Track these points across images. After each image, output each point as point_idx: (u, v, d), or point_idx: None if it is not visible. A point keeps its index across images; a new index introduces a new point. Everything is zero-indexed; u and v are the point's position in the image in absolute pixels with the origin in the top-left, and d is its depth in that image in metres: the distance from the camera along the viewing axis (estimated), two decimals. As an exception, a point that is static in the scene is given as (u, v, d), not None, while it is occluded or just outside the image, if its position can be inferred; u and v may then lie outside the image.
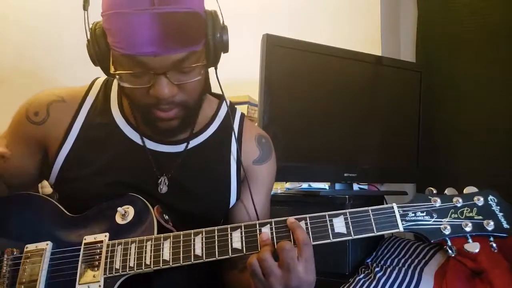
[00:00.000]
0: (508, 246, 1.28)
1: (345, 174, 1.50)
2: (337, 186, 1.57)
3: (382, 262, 1.35)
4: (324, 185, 1.63)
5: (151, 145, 0.93)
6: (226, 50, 0.86)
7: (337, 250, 1.33)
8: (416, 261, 1.31)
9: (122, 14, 0.74)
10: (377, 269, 1.29)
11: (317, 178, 1.55)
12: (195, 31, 0.79)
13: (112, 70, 0.80)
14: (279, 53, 1.38)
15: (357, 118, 1.54)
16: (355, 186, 1.65)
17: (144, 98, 0.81)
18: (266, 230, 0.76)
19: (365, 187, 1.72)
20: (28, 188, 0.98)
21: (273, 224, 0.76)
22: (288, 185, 1.64)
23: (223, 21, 0.85)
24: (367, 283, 1.24)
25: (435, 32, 1.81)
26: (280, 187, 1.64)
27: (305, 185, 1.64)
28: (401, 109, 1.65)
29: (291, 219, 0.76)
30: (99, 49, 0.81)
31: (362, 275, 1.29)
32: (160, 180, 0.91)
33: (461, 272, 1.23)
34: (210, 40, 0.82)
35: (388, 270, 1.27)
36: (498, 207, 0.76)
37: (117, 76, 0.81)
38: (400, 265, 1.30)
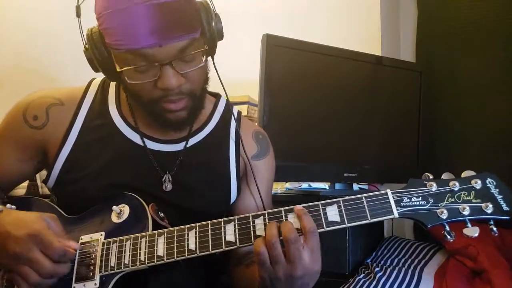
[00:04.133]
0: (508, 246, 1.28)
1: (345, 174, 1.50)
2: (337, 186, 1.57)
3: (382, 262, 1.35)
4: (324, 185, 1.63)
5: (151, 145, 0.93)
6: (221, 37, 0.87)
7: (337, 250, 1.33)
8: (416, 261, 1.31)
9: (120, 10, 0.74)
10: (377, 269, 1.29)
11: (317, 178, 1.55)
12: (192, 18, 0.80)
13: (118, 68, 0.80)
14: (279, 53, 1.38)
15: (357, 118, 1.54)
16: (355, 186, 1.65)
17: (151, 93, 0.82)
18: (259, 221, 0.75)
19: (365, 187, 1.72)
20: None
21: (266, 215, 0.76)
22: (288, 185, 1.64)
23: (215, 10, 0.86)
24: (367, 283, 1.24)
25: (435, 32, 1.81)
26: (280, 187, 1.64)
27: (305, 185, 1.64)
28: (401, 109, 1.65)
29: (298, 207, 0.74)
30: (99, 53, 0.81)
31: (362, 275, 1.29)
32: (164, 178, 0.91)
33: (461, 272, 1.23)
34: (206, 27, 0.84)
35: (388, 270, 1.27)
36: (497, 190, 0.73)
37: (124, 76, 0.80)
38: (400, 265, 1.30)
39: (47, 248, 0.74)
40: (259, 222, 0.76)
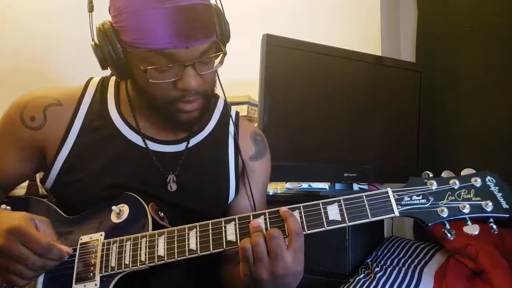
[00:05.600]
0: (508, 246, 1.28)
1: (345, 174, 1.50)
2: (337, 186, 1.57)
3: (382, 262, 1.35)
4: (324, 185, 1.63)
5: (152, 146, 0.93)
6: (228, 41, 0.90)
7: (337, 250, 1.33)
8: (416, 261, 1.31)
9: (144, 10, 0.75)
10: (377, 269, 1.29)
11: (317, 178, 1.55)
12: (212, 22, 0.82)
13: (141, 68, 0.79)
14: (279, 53, 1.38)
15: (357, 118, 1.54)
16: (355, 186, 1.65)
17: (169, 93, 0.82)
18: (260, 221, 0.75)
19: (365, 187, 1.72)
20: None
21: (267, 214, 0.76)
22: (288, 185, 1.64)
23: (224, 14, 0.89)
24: (367, 283, 1.24)
25: (435, 32, 1.81)
26: (280, 187, 1.64)
27: (305, 185, 1.64)
28: (401, 109, 1.64)
29: (283, 208, 0.75)
30: (114, 50, 0.81)
31: (362, 275, 1.29)
32: (168, 179, 0.91)
33: (461, 272, 1.23)
34: (219, 31, 0.86)
35: (388, 270, 1.27)
36: (497, 188, 0.73)
37: (143, 75, 0.80)
38: (400, 265, 1.30)
39: (29, 242, 0.73)
40: (260, 221, 0.75)
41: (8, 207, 0.83)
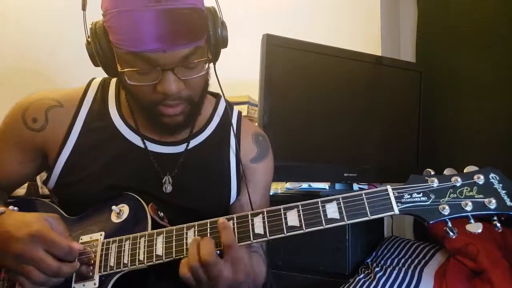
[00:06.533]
0: (508, 246, 1.28)
1: (345, 174, 1.50)
2: (337, 186, 1.57)
3: (382, 262, 1.35)
4: (324, 185, 1.63)
5: (152, 147, 0.93)
6: (225, 45, 0.88)
7: (337, 250, 1.33)
8: (416, 261, 1.31)
9: (128, 11, 0.74)
10: (377, 269, 1.29)
11: (317, 178, 1.55)
12: (199, 27, 0.80)
13: (119, 68, 0.80)
14: (279, 53, 1.38)
15: (357, 118, 1.54)
16: (355, 186, 1.65)
17: (150, 95, 0.82)
18: (258, 220, 0.75)
19: (365, 187, 1.72)
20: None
21: (265, 213, 0.75)
22: (288, 185, 1.64)
23: (222, 17, 0.86)
24: (367, 283, 1.24)
25: (435, 32, 1.81)
26: (280, 187, 1.64)
27: (305, 185, 1.64)
28: (401, 109, 1.65)
29: (221, 220, 0.75)
30: (101, 48, 0.81)
31: (362, 275, 1.29)
32: (164, 179, 0.91)
33: (461, 272, 1.23)
34: (211, 35, 0.84)
35: (388, 270, 1.27)
36: (501, 185, 0.70)
37: (124, 76, 0.80)
38: (400, 265, 1.30)
39: (51, 247, 0.74)
40: (258, 220, 0.75)
41: (16, 208, 0.83)
